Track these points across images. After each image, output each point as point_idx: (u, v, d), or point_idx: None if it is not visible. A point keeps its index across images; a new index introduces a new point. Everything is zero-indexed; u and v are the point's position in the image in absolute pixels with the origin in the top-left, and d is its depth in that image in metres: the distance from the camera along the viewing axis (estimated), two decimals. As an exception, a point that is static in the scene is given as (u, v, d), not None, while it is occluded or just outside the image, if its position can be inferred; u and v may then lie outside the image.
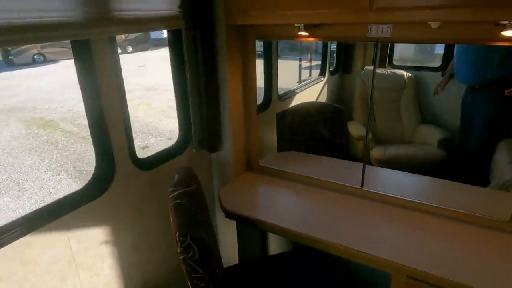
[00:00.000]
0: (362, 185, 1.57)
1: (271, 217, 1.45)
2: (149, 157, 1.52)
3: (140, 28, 1.32)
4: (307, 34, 1.40)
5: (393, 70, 2.62)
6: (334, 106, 2.41)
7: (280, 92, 2.28)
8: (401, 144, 2.59)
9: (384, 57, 2.66)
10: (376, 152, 2.54)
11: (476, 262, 1.18)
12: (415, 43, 1.35)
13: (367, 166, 1.56)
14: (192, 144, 1.64)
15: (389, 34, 1.30)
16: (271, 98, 2.13)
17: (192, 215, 1.08)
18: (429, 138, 2.38)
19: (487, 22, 1.12)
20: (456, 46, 1.57)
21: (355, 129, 2.49)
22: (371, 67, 2.59)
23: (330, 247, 1.30)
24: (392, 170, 1.81)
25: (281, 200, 1.62)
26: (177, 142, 1.66)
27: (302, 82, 2.75)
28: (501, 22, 1.10)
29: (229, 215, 1.53)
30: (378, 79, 2.64)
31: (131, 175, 1.38)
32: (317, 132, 2.12)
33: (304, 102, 2.24)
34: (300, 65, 3.00)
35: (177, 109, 1.62)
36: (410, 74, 2.48)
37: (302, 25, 1.37)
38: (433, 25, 1.19)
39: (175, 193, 1.12)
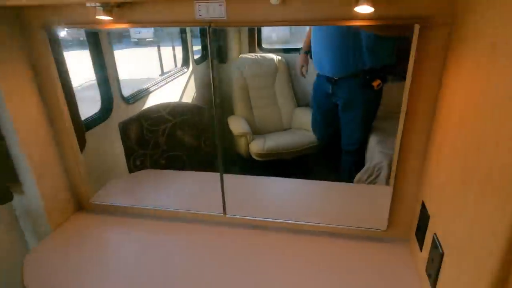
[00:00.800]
0: (224, 211, 1.24)
1: None
2: None
3: None
4: (109, 18, 0.95)
5: (263, 55, 2.38)
6: (193, 105, 2.02)
7: (130, 92, 1.79)
8: (280, 131, 2.41)
9: (253, 40, 2.41)
10: (256, 146, 2.30)
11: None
12: (255, 26, 1.06)
13: (230, 177, 1.24)
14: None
15: (223, 15, 0.95)
16: (111, 103, 1.63)
17: None
18: (305, 122, 2.25)
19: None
20: (312, 32, 1.36)
21: (236, 125, 2.20)
22: (247, 55, 2.31)
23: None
24: (258, 177, 1.52)
25: (117, 256, 1.15)
26: None
27: (165, 75, 2.28)
28: (353, -5, 0.84)
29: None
30: (250, 65, 2.39)
31: None
32: (176, 140, 1.71)
33: (155, 105, 1.79)
34: (159, 54, 2.50)
35: None
36: (280, 57, 2.27)
37: (99, 4, 0.91)
38: (273, 1, 0.87)
39: None
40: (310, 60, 1.55)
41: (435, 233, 0.91)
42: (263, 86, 2.39)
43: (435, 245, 0.89)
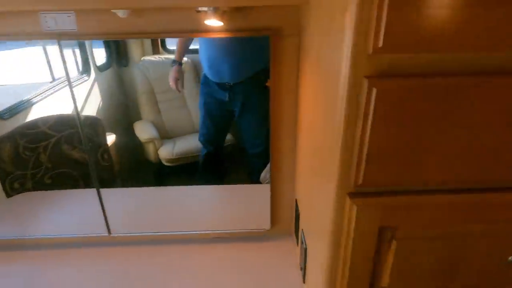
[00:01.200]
0: (108, 230, 1.18)
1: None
2: None
3: None
4: None
5: (168, 56, 2.31)
6: (86, 116, 1.88)
7: (7, 105, 1.60)
8: (191, 134, 2.38)
9: (156, 41, 2.32)
10: (165, 151, 2.24)
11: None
12: (109, 38, 1.00)
13: (108, 192, 1.18)
14: None
15: (74, 27, 0.89)
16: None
17: None
18: None
19: (184, 8, 0.86)
20: (203, 40, 1.31)
21: (143, 131, 2.10)
22: (150, 57, 2.21)
23: None
24: (149, 188, 1.47)
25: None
26: None
27: (56, 81, 2.08)
28: (200, 8, 0.85)
29: None
30: (154, 68, 2.30)
31: None
32: (62, 157, 1.58)
33: (33, 119, 1.63)
34: (47, 57, 2.28)
35: None
36: (186, 58, 2.22)
37: None
38: (120, 13, 0.84)
39: None
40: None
41: (302, 229, 0.98)
42: (171, 88, 2.33)
43: (302, 240, 0.96)
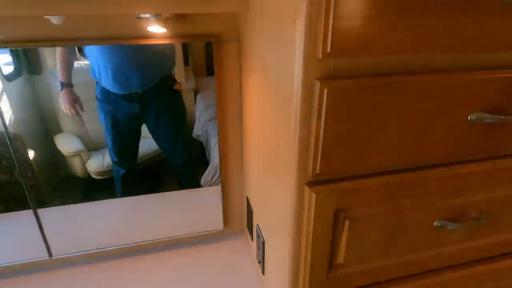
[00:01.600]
0: (49, 253, 1.09)
1: None
2: None
3: None
4: None
5: (86, 62, 2.16)
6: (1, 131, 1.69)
7: None
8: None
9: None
10: (94, 164, 2.09)
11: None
12: (38, 46, 0.92)
13: (43, 212, 1.09)
14: None
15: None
16: None
17: None
18: (147, 130, 2.15)
19: (124, 15, 0.84)
20: (103, 53, 1.20)
21: (66, 144, 1.92)
22: None
23: None
24: (90, 203, 1.39)
25: None
26: None
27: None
28: (142, 15, 0.84)
29: None
30: (74, 75, 2.14)
31: None
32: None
33: None
34: None
35: None
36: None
37: None
38: (55, 20, 0.80)
39: None
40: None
41: (257, 224, 1.03)
42: (94, 96, 2.19)
43: (258, 234, 1.01)
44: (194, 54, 1.02)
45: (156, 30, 0.85)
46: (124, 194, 1.21)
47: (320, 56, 0.53)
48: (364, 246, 0.72)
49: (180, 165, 1.26)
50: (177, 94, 1.08)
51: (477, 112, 0.64)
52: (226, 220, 1.23)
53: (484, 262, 0.86)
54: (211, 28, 0.94)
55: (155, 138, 1.18)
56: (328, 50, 0.52)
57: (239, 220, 1.25)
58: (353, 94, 0.56)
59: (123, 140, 1.20)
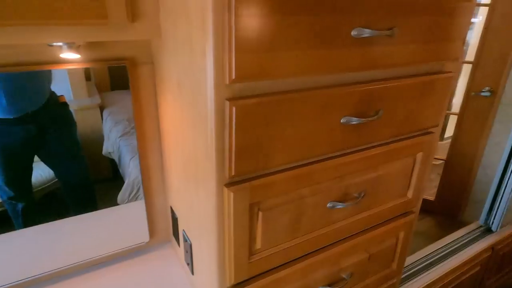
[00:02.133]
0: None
1: None
2: None
3: None
4: None
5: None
6: None
7: None
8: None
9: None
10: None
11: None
12: None
13: None
14: None
15: None
16: None
17: None
18: None
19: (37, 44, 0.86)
20: None
21: None
22: None
23: None
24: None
25: None
26: None
27: None
28: (55, 44, 0.88)
29: None
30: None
31: None
32: None
33: None
34: None
35: None
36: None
37: None
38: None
39: None
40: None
41: (183, 229, 1.12)
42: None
43: (185, 239, 1.10)
44: (96, 68, 1.01)
45: (70, 56, 0.89)
46: (28, 224, 1.12)
47: (228, 82, 0.67)
48: (276, 231, 0.88)
49: (76, 187, 1.19)
50: (66, 106, 1.02)
51: (347, 116, 0.86)
52: (151, 232, 1.29)
53: (367, 231, 1.11)
54: (125, 52, 1.01)
55: (49, 159, 1.11)
56: (234, 77, 0.66)
57: (165, 229, 1.31)
58: (256, 109, 0.71)
59: (17, 171, 1.09)
